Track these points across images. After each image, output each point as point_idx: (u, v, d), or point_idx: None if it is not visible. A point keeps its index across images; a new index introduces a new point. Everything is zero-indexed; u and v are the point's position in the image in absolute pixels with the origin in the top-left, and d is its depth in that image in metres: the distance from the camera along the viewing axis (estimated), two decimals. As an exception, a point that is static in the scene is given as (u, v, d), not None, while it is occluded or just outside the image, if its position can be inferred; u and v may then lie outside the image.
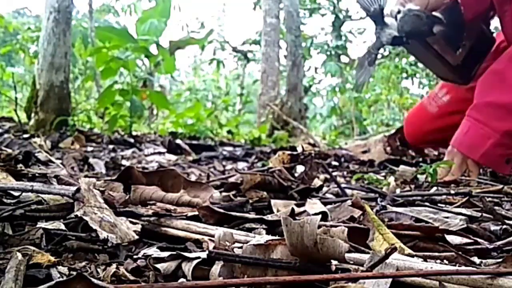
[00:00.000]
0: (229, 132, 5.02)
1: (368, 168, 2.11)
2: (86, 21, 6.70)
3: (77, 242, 0.66)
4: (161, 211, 0.81)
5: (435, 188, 1.32)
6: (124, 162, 2.08)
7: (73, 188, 0.77)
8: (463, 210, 0.91)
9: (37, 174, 1.07)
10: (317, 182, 1.20)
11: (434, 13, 1.40)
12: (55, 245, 0.66)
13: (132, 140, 3.02)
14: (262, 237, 0.60)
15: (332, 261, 0.53)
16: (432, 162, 1.88)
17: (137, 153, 2.56)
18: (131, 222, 0.76)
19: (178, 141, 3.04)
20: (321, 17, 10.91)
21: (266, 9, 6.14)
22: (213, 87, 10.98)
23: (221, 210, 0.81)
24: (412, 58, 7.31)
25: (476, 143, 1.49)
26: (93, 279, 0.43)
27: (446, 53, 1.56)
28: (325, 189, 1.28)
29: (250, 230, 0.75)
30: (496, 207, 0.94)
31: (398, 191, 1.31)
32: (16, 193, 0.83)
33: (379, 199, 1.08)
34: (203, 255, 0.57)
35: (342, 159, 2.39)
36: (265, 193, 1.06)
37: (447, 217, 0.85)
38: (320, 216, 0.54)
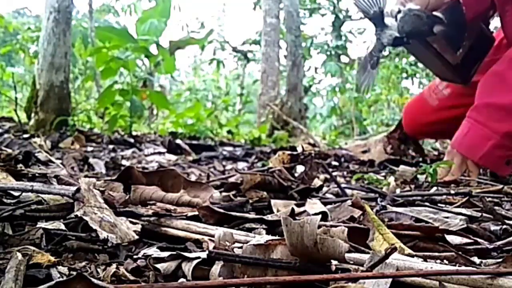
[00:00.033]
0: (229, 132, 5.02)
1: (368, 168, 2.11)
2: (86, 21, 6.69)
3: (77, 242, 0.66)
4: (161, 211, 0.81)
5: (435, 188, 1.32)
6: (124, 162, 2.08)
7: (73, 188, 0.77)
8: (463, 210, 0.91)
9: (37, 174, 1.07)
10: (317, 182, 1.19)
11: (434, 13, 1.40)
12: (55, 245, 0.66)
13: (132, 140, 3.02)
14: (262, 237, 0.60)
15: (332, 261, 0.53)
16: (432, 162, 1.88)
17: (137, 153, 2.56)
18: (131, 222, 0.76)
19: (178, 141, 3.04)
20: (321, 17, 10.90)
21: (266, 9, 6.14)
22: (213, 87, 10.98)
23: (221, 210, 0.81)
24: (412, 58, 7.31)
25: (476, 144, 1.49)
26: (93, 279, 0.43)
27: (445, 52, 1.56)
28: (325, 189, 1.28)
29: (250, 230, 0.75)
30: (496, 207, 0.94)
31: (398, 191, 1.31)
32: (16, 193, 0.83)
33: (379, 199, 1.08)
34: (203, 255, 0.57)
35: (342, 159, 2.39)
36: (265, 193, 1.06)
37: (447, 217, 0.85)
38: (320, 216, 0.54)
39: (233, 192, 1.09)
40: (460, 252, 0.62)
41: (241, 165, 2.32)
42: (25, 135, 2.61)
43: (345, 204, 0.94)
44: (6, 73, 5.32)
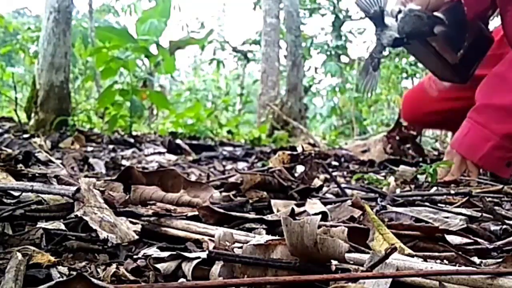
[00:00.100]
0: (229, 132, 5.02)
1: (368, 168, 2.11)
2: (86, 21, 6.70)
3: (77, 242, 0.66)
4: (161, 211, 0.81)
5: (435, 188, 1.32)
6: (124, 162, 2.08)
7: (73, 188, 0.77)
8: (463, 210, 0.91)
9: (37, 174, 1.07)
10: (317, 182, 1.19)
11: (435, 13, 1.40)
12: (55, 245, 0.66)
13: (132, 140, 3.02)
14: (262, 237, 0.60)
15: (332, 261, 0.53)
16: (432, 162, 1.88)
17: (137, 153, 2.56)
18: (131, 222, 0.76)
19: (178, 141, 3.04)
20: (321, 17, 10.91)
21: (266, 9, 6.14)
22: (213, 87, 10.98)
23: (221, 210, 0.81)
24: (412, 58, 7.31)
25: (475, 145, 1.49)
26: (93, 279, 0.43)
27: (445, 51, 1.55)
28: (325, 189, 1.28)
29: (250, 230, 0.75)
30: (496, 207, 0.94)
31: (398, 191, 1.31)
32: (16, 193, 0.83)
33: (379, 199, 1.08)
34: (203, 255, 0.57)
35: (342, 159, 2.39)
36: (265, 193, 1.06)
37: (447, 217, 0.85)
38: (320, 216, 0.54)
39: (233, 192, 1.09)
40: (460, 252, 0.62)
41: (241, 165, 2.32)
42: (25, 135, 2.61)
43: (345, 204, 0.94)
44: (6, 73, 5.32)
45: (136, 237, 0.70)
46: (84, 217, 0.70)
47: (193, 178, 1.59)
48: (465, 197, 1.03)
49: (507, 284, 0.47)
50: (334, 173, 1.69)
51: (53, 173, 1.15)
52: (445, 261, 0.59)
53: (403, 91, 7.70)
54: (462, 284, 0.49)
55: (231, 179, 1.27)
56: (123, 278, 0.56)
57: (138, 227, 0.74)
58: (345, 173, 1.94)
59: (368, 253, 0.57)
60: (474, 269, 0.51)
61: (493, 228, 0.81)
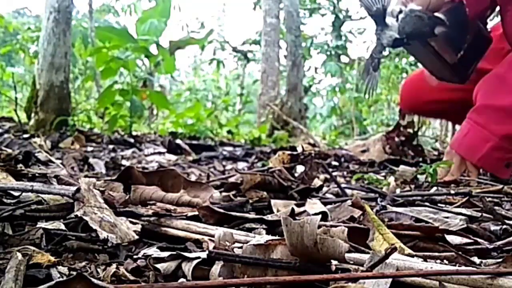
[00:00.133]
0: (229, 132, 5.02)
1: (368, 168, 2.11)
2: (86, 21, 6.70)
3: (77, 242, 0.66)
4: (161, 211, 0.81)
5: (435, 188, 1.32)
6: (124, 162, 2.08)
7: (73, 188, 0.77)
8: (463, 210, 0.91)
9: (37, 174, 1.07)
10: (317, 182, 1.19)
11: (436, 14, 1.39)
12: (55, 245, 0.66)
13: (132, 140, 3.02)
14: (262, 237, 0.60)
15: (332, 261, 0.53)
16: (432, 162, 1.88)
17: (137, 153, 2.56)
18: (131, 222, 0.76)
19: (178, 141, 3.04)
20: (321, 17, 10.91)
21: (266, 9, 6.14)
22: (213, 87, 10.99)
23: (221, 210, 0.81)
24: (412, 58, 7.31)
25: (474, 145, 1.49)
26: (93, 279, 0.43)
27: (444, 51, 1.55)
28: (325, 189, 1.28)
29: (250, 230, 0.75)
30: (496, 207, 0.94)
31: (398, 191, 1.31)
32: (16, 193, 0.83)
33: (379, 199, 1.08)
34: (203, 255, 0.57)
35: (342, 159, 2.39)
36: (265, 193, 1.06)
37: (447, 217, 0.85)
38: (320, 216, 0.54)
39: (233, 192, 1.09)
40: (460, 252, 0.62)
41: (241, 165, 2.32)
42: (25, 135, 2.61)
43: (345, 204, 0.94)
44: (6, 73, 5.33)
45: (136, 237, 0.70)
46: (84, 217, 0.70)
47: (193, 178, 1.59)
48: (465, 197, 1.03)
49: (507, 284, 0.47)
50: (334, 173, 1.69)
51: (53, 173, 1.15)
52: (445, 261, 0.59)
53: (403, 91, 7.70)
54: (462, 284, 0.49)
55: (231, 179, 1.27)
56: (123, 278, 0.56)
57: (138, 227, 0.74)
58: (345, 173, 1.94)
59: (368, 253, 0.57)
60: (474, 269, 0.51)
61: (493, 228, 0.81)
